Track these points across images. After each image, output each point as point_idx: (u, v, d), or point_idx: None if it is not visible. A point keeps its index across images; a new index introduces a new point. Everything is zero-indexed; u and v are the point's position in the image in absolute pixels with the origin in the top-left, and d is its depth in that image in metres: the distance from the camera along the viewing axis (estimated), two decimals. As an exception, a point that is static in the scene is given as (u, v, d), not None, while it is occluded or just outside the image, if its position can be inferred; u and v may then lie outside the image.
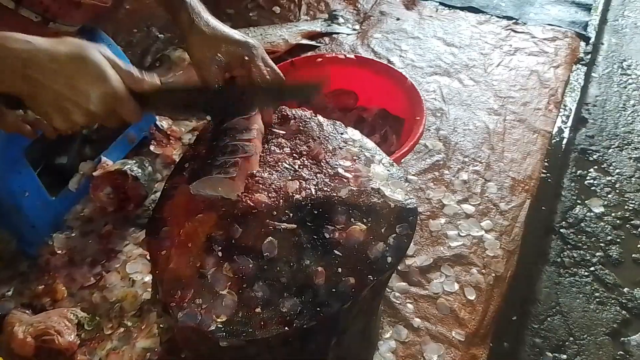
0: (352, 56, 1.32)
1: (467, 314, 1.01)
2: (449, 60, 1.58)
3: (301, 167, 0.77)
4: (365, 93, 1.35)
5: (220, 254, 0.67)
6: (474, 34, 1.67)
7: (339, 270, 0.68)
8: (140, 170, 1.16)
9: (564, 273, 1.56)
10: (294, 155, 0.79)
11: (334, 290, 0.66)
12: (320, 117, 0.86)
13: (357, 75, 1.33)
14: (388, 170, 0.79)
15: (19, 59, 0.64)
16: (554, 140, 1.42)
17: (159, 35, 1.67)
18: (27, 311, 1.01)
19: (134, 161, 1.20)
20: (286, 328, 0.63)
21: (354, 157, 0.80)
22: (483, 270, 1.07)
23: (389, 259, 0.69)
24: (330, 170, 0.77)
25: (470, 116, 1.41)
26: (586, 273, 1.45)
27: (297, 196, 0.73)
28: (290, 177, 0.76)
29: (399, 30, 1.70)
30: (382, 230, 0.72)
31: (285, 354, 0.71)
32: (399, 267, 1.07)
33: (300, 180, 0.75)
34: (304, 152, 0.80)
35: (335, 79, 1.35)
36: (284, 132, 0.83)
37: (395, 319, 1.00)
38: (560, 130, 1.46)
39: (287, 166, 0.77)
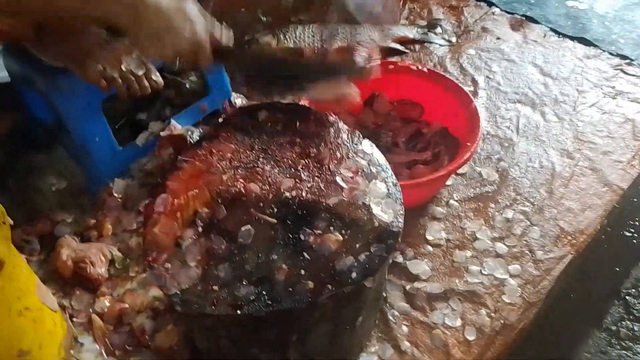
0: (425, 69, 1.31)
1: (459, 352, 0.98)
2: (539, 91, 1.49)
3: (303, 167, 0.81)
4: (431, 108, 1.33)
5: (200, 229, 0.74)
6: (577, 67, 1.55)
7: (302, 272, 0.71)
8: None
9: (616, 344, 1.43)
10: (302, 155, 0.83)
11: (290, 289, 0.69)
12: (341, 124, 0.88)
13: (426, 88, 1.31)
14: (388, 189, 0.79)
15: None
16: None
17: (262, 18, 1.77)
18: (76, 239, 1.16)
19: (198, 130, 1.30)
20: (234, 311, 0.68)
21: (358, 170, 0.81)
22: (492, 314, 1.02)
23: (354, 275, 0.71)
24: (329, 177, 0.80)
25: (539, 153, 1.32)
26: (643, 351, 1.32)
27: (287, 194, 0.77)
28: (288, 175, 0.79)
29: (495, 49, 1.62)
30: (357, 245, 0.73)
31: (241, 334, 0.76)
32: (406, 288, 1.06)
33: (296, 180, 0.79)
34: (312, 155, 0.83)
35: (404, 89, 1.34)
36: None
37: (386, 337, 1.00)
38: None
39: (290, 164, 0.81)
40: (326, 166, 0.81)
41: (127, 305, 1.05)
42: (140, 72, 1.08)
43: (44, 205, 1.25)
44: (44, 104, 1.31)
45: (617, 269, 1.57)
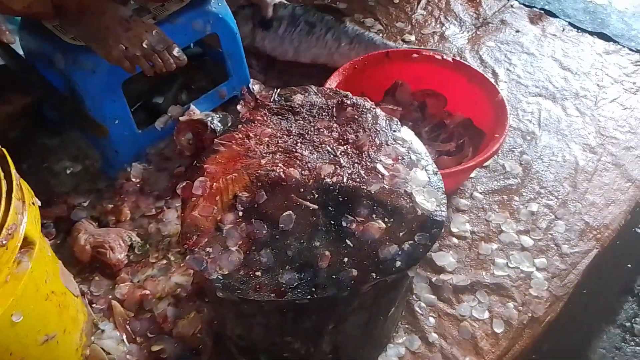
0: (449, 58, 1.29)
1: (487, 345, 0.97)
2: (559, 85, 1.48)
3: (342, 154, 0.79)
4: (454, 98, 1.31)
5: (240, 213, 0.72)
6: (597, 62, 1.54)
7: (345, 259, 0.69)
8: (220, 125, 1.24)
9: (630, 340, 1.42)
10: (340, 141, 0.81)
11: (333, 276, 0.68)
12: (378, 110, 0.86)
13: (450, 78, 1.29)
14: (429, 177, 0.78)
15: None
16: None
17: (278, 4, 1.74)
18: (93, 223, 1.14)
19: (218, 116, 1.28)
20: (277, 297, 0.66)
21: (398, 157, 0.79)
22: (520, 307, 1.02)
23: (398, 263, 0.69)
24: (369, 163, 0.78)
25: (562, 147, 1.31)
26: (656, 347, 1.32)
27: (328, 180, 0.75)
28: (327, 161, 0.77)
29: (514, 42, 1.61)
30: (400, 234, 0.71)
31: (279, 322, 0.74)
32: (432, 280, 1.05)
33: (336, 166, 0.77)
34: (350, 141, 0.81)
35: (427, 78, 1.33)
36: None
37: (413, 328, 0.99)
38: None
39: (329, 150, 0.79)
40: (365, 152, 0.79)
41: (148, 292, 1.03)
42: (161, 48, 1.05)
43: (59, 188, 1.22)
44: (61, 84, 1.28)
45: (630, 266, 1.57)
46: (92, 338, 0.96)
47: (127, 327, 0.99)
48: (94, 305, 1.02)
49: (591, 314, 1.43)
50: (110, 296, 1.03)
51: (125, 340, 0.97)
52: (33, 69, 1.20)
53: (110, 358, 0.94)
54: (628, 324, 1.44)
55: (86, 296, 1.03)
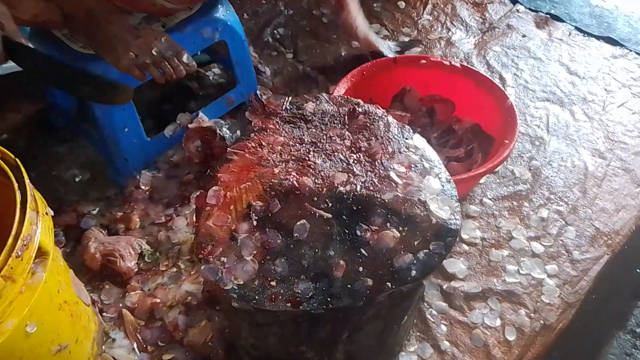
0: (457, 64, 1.29)
1: (500, 352, 0.96)
2: (567, 90, 1.48)
3: (355, 162, 0.79)
4: (463, 104, 1.31)
5: (255, 223, 0.72)
6: (604, 67, 1.53)
7: (360, 269, 0.69)
8: (228, 132, 1.24)
9: (640, 346, 1.41)
10: (352, 149, 0.81)
11: (349, 286, 0.68)
12: (390, 118, 0.86)
13: (458, 84, 1.29)
14: (442, 185, 0.77)
15: None
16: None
17: (283, 10, 1.75)
18: (103, 231, 1.14)
19: (227, 123, 1.28)
20: (293, 308, 0.66)
21: (411, 165, 0.79)
22: (532, 315, 1.01)
23: (413, 273, 0.69)
24: (382, 172, 0.77)
25: (571, 152, 1.31)
26: (666, 353, 1.31)
27: (342, 188, 0.75)
28: (340, 169, 0.77)
29: (521, 47, 1.61)
30: (415, 242, 0.71)
31: (294, 332, 0.74)
32: (443, 287, 1.05)
33: (349, 174, 0.77)
34: (363, 149, 0.81)
35: (435, 84, 1.32)
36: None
37: (425, 336, 0.99)
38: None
39: (342, 158, 0.79)
40: (378, 161, 0.79)
41: (158, 300, 1.03)
42: (171, 55, 1.05)
43: (68, 196, 1.22)
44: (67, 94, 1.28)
45: (638, 271, 1.56)
46: (103, 347, 0.96)
47: (138, 335, 0.99)
48: (104, 314, 1.02)
49: (601, 320, 1.43)
50: (121, 305, 1.03)
51: (136, 349, 0.97)
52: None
53: (122, 367, 0.94)
54: (638, 330, 1.44)
55: (97, 305, 1.03)
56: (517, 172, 1.26)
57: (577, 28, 1.67)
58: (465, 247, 1.11)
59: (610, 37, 1.63)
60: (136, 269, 1.08)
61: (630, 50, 1.58)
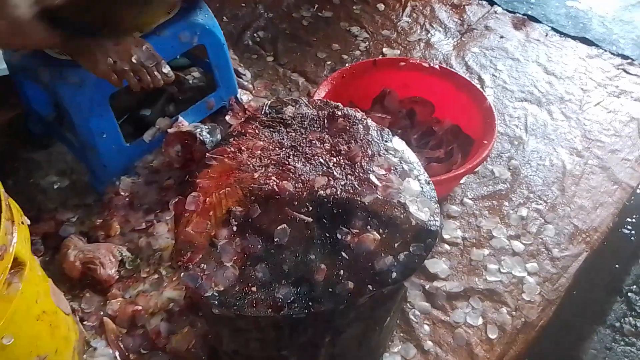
0: (436, 66, 1.30)
1: (482, 351, 0.97)
2: (544, 90, 1.50)
3: (335, 165, 0.79)
4: (443, 105, 1.32)
5: (235, 228, 0.71)
6: (580, 66, 1.56)
7: (341, 272, 0.69)
8: (209, 136, 1.23)
9: (620, 340, 1.44)
10: (332, 152, 0.81)
11: (330, 289, 0.67)
12: (369, 121, 0.86)
13: (438, 86, 1.30)
14: (421, 187, 0.78)
15: None
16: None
17: (263, 13, 1.74)
18: (82, 239, 1.12)
19: (207, 127, 1.27)
20: (274, 313, 0.65)
21: (391, 167, 0.79)
22: (513, 313, 1.02)
23: (394, 274, 0.69)
24: (362, 174, 0.78)
25: (549, 151, 1.33)
26: (646, 346, 1.33)
27: (322, 192, 0.75)
28: (320, 173, 0.77)
29: (499, 48, 1.63)
30: (395, 245, 0.71)
31: (275, 336, 0.74)
32: (425, 287, 1.05)
33: (330, 178, 0.76)
34: (343, 152, 0.81)
35: (414, 86, 1.33)
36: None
37: (408, 337, 0.99)
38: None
39: (322, 161, 0.79)
40: (358, 164, 0.79)
41: (140, 307, 1.02)
42: (151, 65, 1.05)
43: (47, 204, 1.20)
44: (44, 98, 1.27)
45: (617, 266, 1.59)
46: (85, 356, 0.95)
47: (120, 344, 0.98)
48: (85, 322, 1.00)
49: (582, 315, 1.45)
50: (102, 313, 1.02)
51: (118, 357, 0.96)
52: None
53: (103, 376, 0.93)
54: (618, 324, 1.46)
55: (77, 313, 1.02)
56: (496, 172, 1.28)
57: (553, 29, 1.70)
58: (447, 247, 1.12)
59: (586, 37, 1.66)
60: (117, 277, 1.07)
61: (605, 50, 1.61)
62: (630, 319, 1.48)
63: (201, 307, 0.79)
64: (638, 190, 1.53)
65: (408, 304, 1.03)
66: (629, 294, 1.53)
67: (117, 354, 0.96)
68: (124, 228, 1.15)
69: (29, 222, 0.78)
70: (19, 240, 0.71)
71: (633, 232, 1.63)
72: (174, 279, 1.06)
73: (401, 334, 0.99)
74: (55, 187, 1.24)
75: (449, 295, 1.04)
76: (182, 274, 0.67)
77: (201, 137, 1.21)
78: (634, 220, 1.64)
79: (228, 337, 0.79)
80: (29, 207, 1.17)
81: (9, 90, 1.32)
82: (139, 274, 1.08)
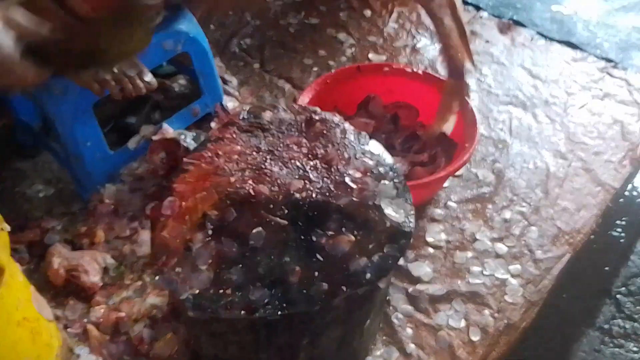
0: (420, 71, 1.31)
1: (464, 353, 0.97)
2: (529, 93, 1.51)
3: (312, 169, 0.79)
4: (427, 110, 1.33)
5: (210, 232, 0.72)
6: (565, 70, 1.57)
7: (315, 274, 0.69)
8: (193, 143, 1.24)
9: (609, 342, 1.44)
10: (309, 156, 0.81)
11: (304, 291, 0.68)
12: (347, 125, 0.87)
13: (421, 90, 1.31)
14: (397, 189, 0.79)
15: None
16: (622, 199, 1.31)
17: (250, 21, 1.76)
18: (67, 247, 1.13)
19: (191, 134, 1.28)
20: (248, 315, 0.66)
21: (367, 170, 0.80)
22: (496, 315, 1.03)
23: (368, 275, 0.70)
24: (338, 177, 0.78)
25: (533, 154, 1.34)
26: (635, 348, 1.34)
27: (298, 195, 0.75)
28: (297, 176, 0.78)
29: (484, 52, 1.64)
30: (370, 246, 0.72)
31: (252, 339, 0.74)
32: (408, 290, 1.06)
33: (306, 181, 0.77)
34: (320, 155, 0.82)
35: (398, 91, 1.34)
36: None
37: (391, 340, 0.99)
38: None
39: (299, 165, 0.80)
40: (334, 167, 0.80)
41: (123, 314, 1.02)
42: (133, 73, 1.06)
43: (32, 212, 1.21)
44: (31, 108, 1.27)
45: (607, 269, 1.59)
46: (67, 363, 0.95)
47: (103, 350, 0.98)
48: (69, 329, 1.00)
49: (571, 318, 1.45)
50: (86, 320, 1.02)
51: (101, 364, 0.96)
52: None
53: (86, 383, 0.93)
54: (606, 326, 1.46)
55: (61, 321, 1.02)
56: (480, 175, 1.28)
57: (539, 33, 1.71)
58: (431, 250, 1.13)
59: (570, 41, 1.67)
60: (101, 284, 1.07)
61: (590, 54, 1.63)
62: (619, 320, 1.48)
63: (180, 311, 0.79)
64: (626, 193, 1.54)
65: (391, 307, 1.03)
66: (618, 296, 1.53)
67: (100, 360, 0.97)
68: (108, 235, 1.15)
69: (9, 228, 0.78)
70: (-3, 247, 0.71)
71: (623, 234, 1.64)
72: (156, 285, 1.07)
73: (384, 337, 0.99)
74: (41, 195, 1.24)
75: (431, 298, 1.05)
76: (157, 277, 0.68)
77: (185, 144, 1.22)
78: (623, 222, 1.65)
79: (207, 341, 0.80)
80: (14, 215, 1.17)
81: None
82: (122, 281, 1.08)
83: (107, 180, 1.22)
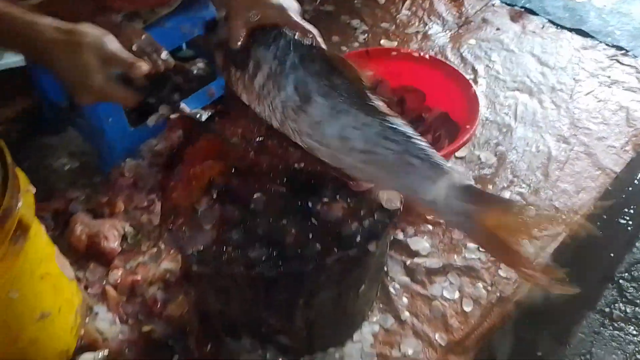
0: (427, 56, 1.35)
1: (456, 322, 1.02)
2: (537, 80, 1.53)
3: (311, 141, 0.85)
4: (433, 94, 1.37)
5: (215, 196, 0.79)
6: (574, 57, 1.59)
7: (310, 236, 0.76)
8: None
9: (608, 325, 1.46)
10: (310, 130, 0.87)
11: (299, 250, 0.74)
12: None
13: (428, 75, 1.35)
14: (391, 162, 0.84)
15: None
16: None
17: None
18: (89, 215, 1.21)
19: (207, 112, 1.34)
20: (247, 270, 0.72)
21: (363, 144, 0.85)
22: (489, 288, 1.07)
23: (358, 239, 0.75)
24: (335, 150, 0.84)
25: (536, 138, 1.37)
26: (634, 332, 1.37)
27: (296, 165, 0.81)
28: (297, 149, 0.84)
29: (495, 39, 1.67)
30: (362, 212, 0.78)
31: (252, 295, 0.81)
32: (406, 263, 1.11)
33: (304, 153, 0.83)
34: (319, 130, 0.87)
35: (406, 75, 1.39)
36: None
37: (387, 308, 1.05)
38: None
39: (299, 138, 0.86)
40: (333, 140, 0.85)
41: (139, 278, 1.10)
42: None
43: (58, 184, 1.29)
44: (59, 87, 1.36)
45: (612, 255, 1.61)
46: (87, 319, 1.03)
47: (120, 309, 1.06)
48: (89, 290, 1.09)
49: (572, 301, 1.48)
50: (104, 282, 1.10)
51: (117, 322, 1.04)
52: None
53: (104, 338, 1.01)
54: (607, 310, 1.49)
55: (82, 282, 1.10)
56: (483, 157, 1.32)
57: (550, 21, 1.73)
58: (430, 227, 1.18)
59: (582, 29, 1.68)
60: (119, 249, 1.15)
61: (600, 42, 1.64)
62: (621, 305, 1.51)
63: (187, 268, 0.86)
64: (636, 182, 1.56)
65: (389, 278, 1.09)
66: (621, 281, 1.56)
67: (116, 318, 1.05)
68: (127, 206, 1.23)
69: (34, 190, 0.86)
70: (24, 205, 0.79)
71: (630, 222, 1.65)
72: (171, 252, 1.14)
73: (381, 305, 1.05)
74: (66, 168, 1.33)
75: (428, 271, 1.10)
76: (166, 235, 0.75)
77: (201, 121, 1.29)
78: (631, 211, 1.67)
79: (212, 296, 0.87)
80: (41, 186, 1.25)
81: (25, 81, 1.42)
82: (139, 247, 1.16)
83: (128, 156, 1.30)
